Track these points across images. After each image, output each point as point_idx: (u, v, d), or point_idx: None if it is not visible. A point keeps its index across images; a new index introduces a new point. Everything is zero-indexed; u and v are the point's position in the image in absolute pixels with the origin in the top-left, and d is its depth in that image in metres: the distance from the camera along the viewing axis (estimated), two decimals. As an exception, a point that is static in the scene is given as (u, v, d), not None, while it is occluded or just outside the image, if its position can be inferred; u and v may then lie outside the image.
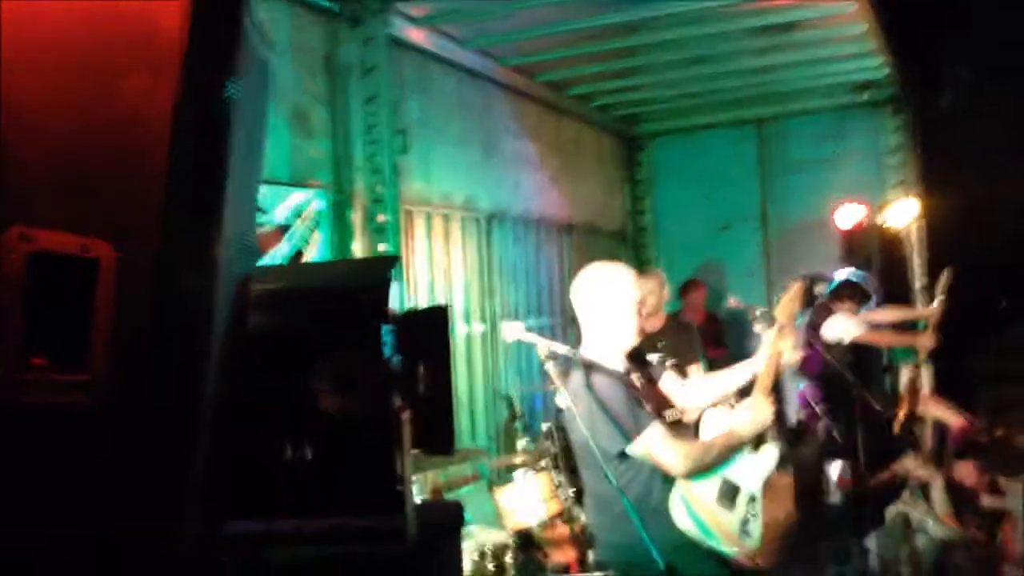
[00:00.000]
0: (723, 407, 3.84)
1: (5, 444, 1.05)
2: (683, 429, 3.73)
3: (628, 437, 3.39)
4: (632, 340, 3.64)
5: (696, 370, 5.67)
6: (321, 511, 1.59)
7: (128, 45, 1.09)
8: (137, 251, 1.07)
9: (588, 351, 3.63)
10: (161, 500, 1.10)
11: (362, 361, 1.54)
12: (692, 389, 3.97)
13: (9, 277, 1.02)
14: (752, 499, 3.69)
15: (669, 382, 3.91)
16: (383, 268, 1.73)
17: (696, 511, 3.53)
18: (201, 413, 1.16)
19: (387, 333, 1.62)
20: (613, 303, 3.59)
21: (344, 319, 1.59)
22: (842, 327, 6.36)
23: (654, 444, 3.41)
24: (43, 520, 1.06)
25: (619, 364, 3.62)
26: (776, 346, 3.75)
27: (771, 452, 3.82)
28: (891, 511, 5.31)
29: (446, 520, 1.87)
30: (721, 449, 3.59)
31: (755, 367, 3.80)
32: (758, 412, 3.62)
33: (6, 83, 1.05)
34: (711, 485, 3.62)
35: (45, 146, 1.07)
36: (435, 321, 1.84)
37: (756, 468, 3.73)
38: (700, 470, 3.52)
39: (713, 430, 3.72)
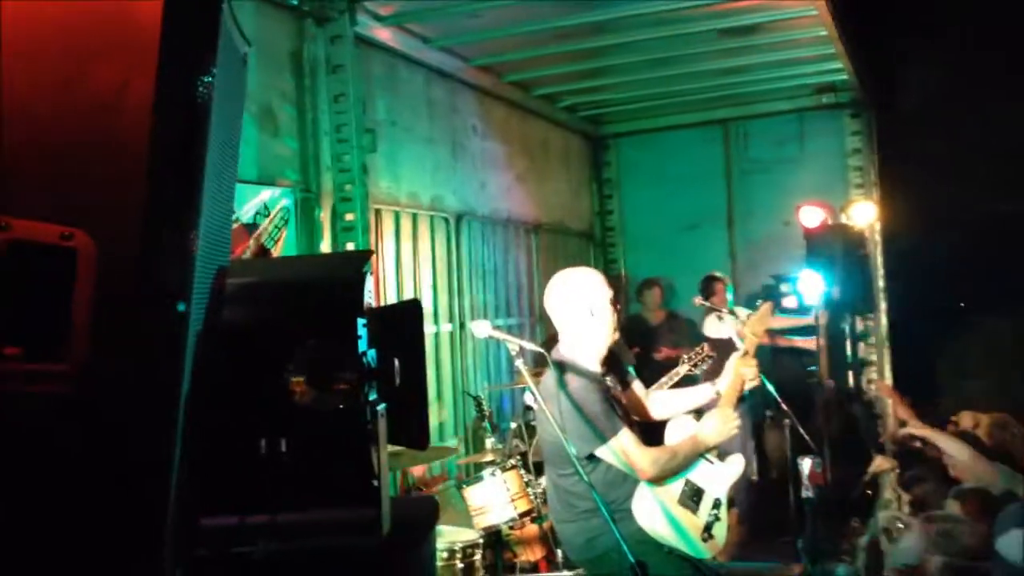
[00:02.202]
0: (688, 417, 3.89)
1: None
2: (648, 435, 3.78)
3: (602, 438, 3.42)
4: (607, 342, 3.66)
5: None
6: (296, 505, 1.59)
7: (103, 31, 1.08)
8: (116, 239, 1.07)
9: (565, 353, 3.65)
10: (141, 492, 1.10)
11: (338, 354, 1.54)
12: (655, 402, 4.03)
13: (-15, 267, 1.01)
14: (717, 503, 3.74)
15: (637, 390, 3.97)
16: (358, 263, 1.73)
17: (666, 509, 3.57)
18: (179, 404, 1.16)
19: (362, 327, 1.62)
20: (585, 307, 3.61)
21: (320, 313, 1.59)
22: (717, 326, 6.51)
23: (625, 448, 3.45)
24: (19, 509, 1.05)
25: (595, 366, 3.64)
26: (740, 369, 3.81)
27: (738, 460, 3.88)
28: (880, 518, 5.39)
29: (421, 515, 1.87)
30: (686, 455, 3.65)
31: (718, 388, 3.87)
32: (723, 423, 3.67)
33: (-19, 72, 1.04)
34: (675, 487, 3.66)
35: (21, 132, 1.06)
36: (408, 316, 1.85)
37: (722, 474, 3.79)
38: (666, 475, 3.58)
39: (678, 436, 3.77)
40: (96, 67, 1.06)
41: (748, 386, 3.89)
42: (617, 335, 3.71)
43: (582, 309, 3.61)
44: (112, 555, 1.10)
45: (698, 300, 5.92)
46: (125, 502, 1.10)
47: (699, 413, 3.87)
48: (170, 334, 1.13)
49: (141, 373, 1.09)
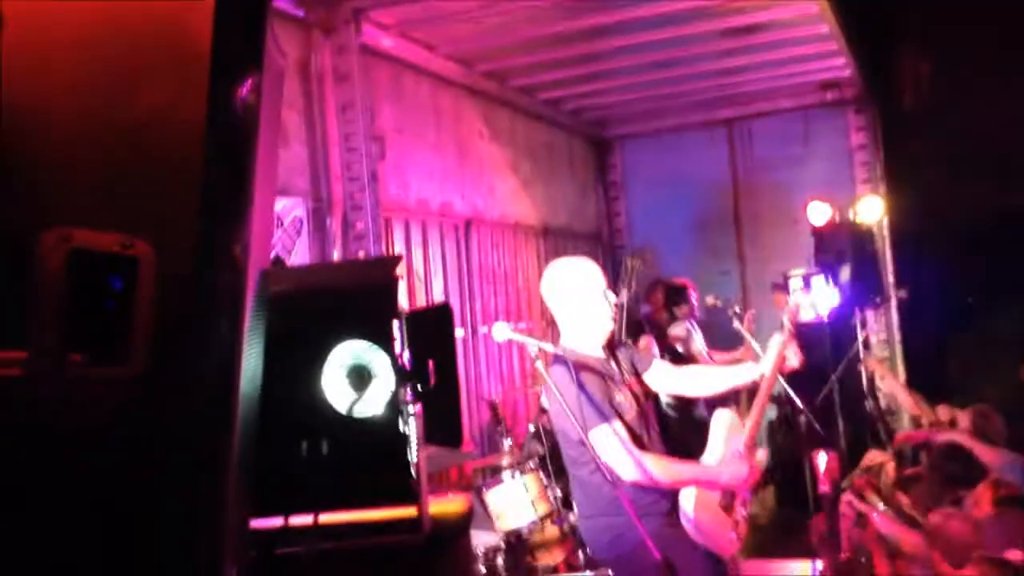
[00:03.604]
0: (731, 409, 3.90)
1: (45, 438, 1.07)
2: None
3: (593, 423, 3.38)
4: (607, 328, 3.68)
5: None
6: (338, 506, 1.62)
7: (156, 49, 1.11)
8: (171, 249, 1.10)
9: (567, 343, 3.68)
10: (202, 491, 1.13)
11: (376, 357, 1.57)
12: (690, 377, 4.00)
13: (49, 277, 1.04)
14: (744, 501, 3.76)
15: (660, 369, 3.91)
16: (389, 267, 1.76)
17: (710, 509, 3.57)
18: (236, 407, 1.19)
19: (398, 329, 1.65)
20: (583, 294, 3.65)
21: (356, 316, 1.63)
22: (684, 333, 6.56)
23: (605, 441, 3.39)
24: (85, 509, 1.08)
25: (597, 352, 3.67)
26: (781, 351, 3.83)
27: (762, 455, 3.90)
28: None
29: (457, 513, 1.91)
30: (682, 478, 3.54)
31: (760, 370, 3.86)
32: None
33: (36, 85, 1.08)
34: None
35: (77, 147, 1.09)
36: (439, 318, 1.88)
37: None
38: (650, 484, 3.46)
39: (717, 434, 3.77)
40: (151, 81, 1.10)
41: (787, 368, 3.90)
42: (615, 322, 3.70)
43: (575, 298, 3.65)
44: (173, 556, 1.13)
45: (711, 299, 5.92)
46: (185, 503, 1.13)
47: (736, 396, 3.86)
48: (226, 339, 1.16)
49: (199, 377, 1.12)
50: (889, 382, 7.04)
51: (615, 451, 3.40)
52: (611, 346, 3.77)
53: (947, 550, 4.10)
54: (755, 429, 3.81)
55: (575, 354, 3.58)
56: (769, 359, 3.85)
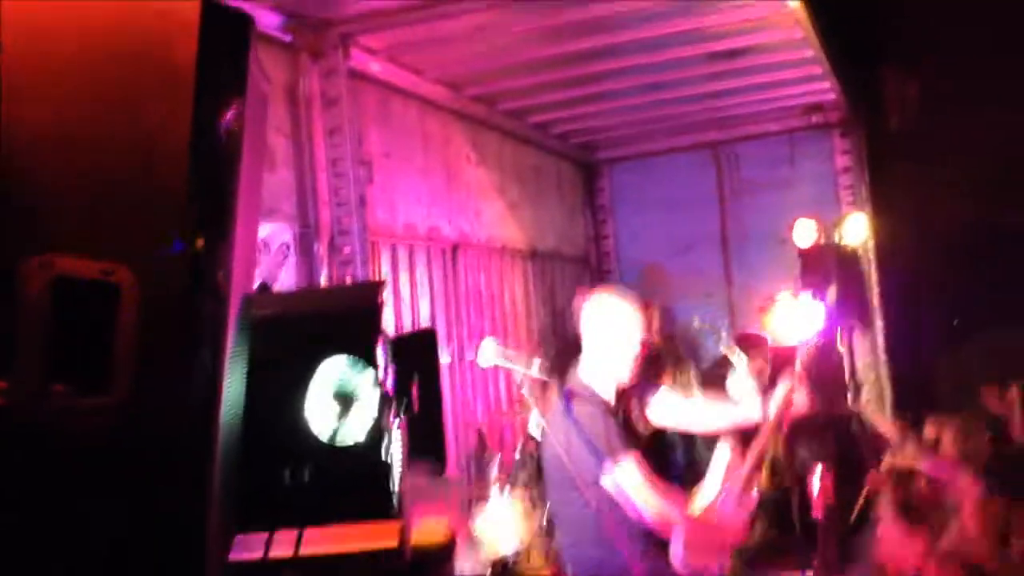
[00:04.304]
0: (731, 444, 3.90)
1: (29, 467, 1.06)
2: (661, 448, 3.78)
3: (608, 463, 3.39)
4: (627, 378, 3.64)
5: None
6: (320, 532, 1.61)
7: (140, 77, 1.12)
8: (153, 276, 1.10)
9: (584, 375, 3.64)
10: (183, 517, 1.13)
11: (359, 381, 1.57)
12: (693, 413, 4.00)
13: (30, 305, 1.04)
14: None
15: (663, 401, 3.91)
16: (374, 292, 1.77)
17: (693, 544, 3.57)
18: (218, 432, 1.19)
19: (381, 354, 1.65)
20: (619, 338, 3.60)
21: (340, 342, 1.63)
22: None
23: (632, 478, 3.40)
24: (70, 539, 1.07)
25: (609, 395, 3.63)
26: (790, 394, 3.83)
27: (755, 496, 3.90)
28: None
29: (440, 542, 1.90)
30: (691, 529, 3.53)
31: (766, 410, 3.86)
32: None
33: (26, 111, 1.08)
34: None
35: (60, 173, 1.09)
36: (424, 343, 1.89)
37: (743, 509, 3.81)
38: (661, 529, 3.48)
39: (716, 468, 3.78)
40: (135, 108, 1.10)
41: (794, 412, 3.91)
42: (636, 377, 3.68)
43: (614, 339, 3.60)
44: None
45: (698, 322, 5.91)
46: (167, 528, 1.12)
47: (743, 435, 3.85)
48: (207, 365, 1.16)
49: (181, 403, 1.12)
50: (870, 417, 7.07)
51: (643, 486, 3.40)
52: (624, 395, 3.74)
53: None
54: (752, 468, 3.81)
55: (589, 391, 3.57)
56: (776, 400, 3.84)
